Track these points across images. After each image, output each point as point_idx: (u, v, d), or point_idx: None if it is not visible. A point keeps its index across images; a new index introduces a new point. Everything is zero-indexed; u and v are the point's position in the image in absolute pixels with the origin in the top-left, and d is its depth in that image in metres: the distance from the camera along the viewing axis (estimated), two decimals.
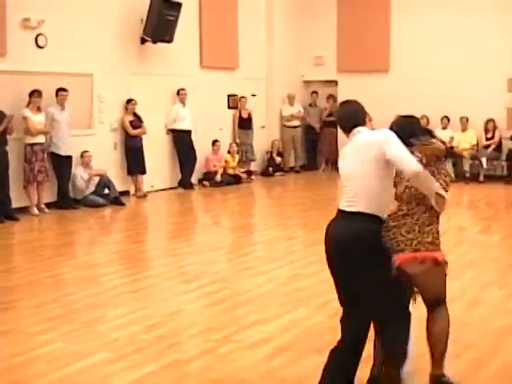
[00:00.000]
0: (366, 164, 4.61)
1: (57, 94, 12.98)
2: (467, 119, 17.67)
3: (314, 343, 5.88)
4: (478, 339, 6.04)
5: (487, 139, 17.34)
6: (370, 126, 5.01)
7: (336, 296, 4.77)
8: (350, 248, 4.60)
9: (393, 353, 4.91)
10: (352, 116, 4.91)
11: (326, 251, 4.77)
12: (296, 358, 5.58)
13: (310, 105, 19.75)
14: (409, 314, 4.97)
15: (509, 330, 6.30)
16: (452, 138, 17.65)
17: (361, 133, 4.81)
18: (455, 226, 11.80)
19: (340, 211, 4.77)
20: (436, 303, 4.93)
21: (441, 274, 4.89)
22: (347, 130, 4.90)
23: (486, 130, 17.48)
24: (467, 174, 17.28)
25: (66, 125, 13.04)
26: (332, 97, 19.60)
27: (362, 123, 4.87)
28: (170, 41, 15.02)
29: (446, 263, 4.89)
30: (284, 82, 19.16)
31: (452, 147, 17.20)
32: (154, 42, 14.90)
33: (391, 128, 4.95)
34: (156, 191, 15.24)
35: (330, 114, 19.46)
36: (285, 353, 5.68)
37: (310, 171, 19.40)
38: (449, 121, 17.92)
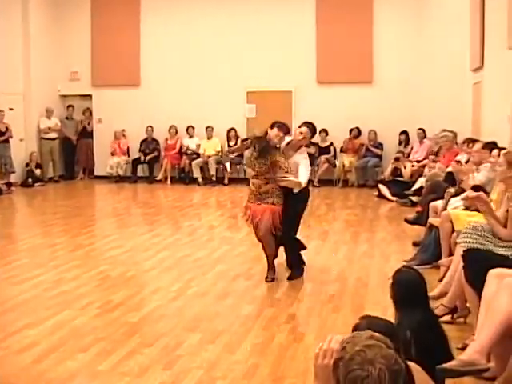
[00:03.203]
0: None
1: None
2: (212, 128, 18.17)
3: (79, 343, 5.80)
4: (229, 326, 6.26)
5: (230, 146, 17.93)
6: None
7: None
8: None
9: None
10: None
11: None
12: (63, 358, 5.46)
13: (67, 118, 19.38)
14: None
15: (254, 316, 6.57)
16: (198, 146, 18.12)
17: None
18: (206, 225, 12.12)
19: None
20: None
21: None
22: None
23: (229, 138, 18.06)
24: (214, 178, 17.77)
25: None
26: (88, 110, 19.42)
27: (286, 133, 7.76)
28: None
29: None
30: (41, 96, 18.63)
31: (198, 153, 17.65)
32: None
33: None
34: None
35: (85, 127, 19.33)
36: (52, 355, 5.54)
37: (69, 180, 19.05)
38: (194, 130, 18.36)
